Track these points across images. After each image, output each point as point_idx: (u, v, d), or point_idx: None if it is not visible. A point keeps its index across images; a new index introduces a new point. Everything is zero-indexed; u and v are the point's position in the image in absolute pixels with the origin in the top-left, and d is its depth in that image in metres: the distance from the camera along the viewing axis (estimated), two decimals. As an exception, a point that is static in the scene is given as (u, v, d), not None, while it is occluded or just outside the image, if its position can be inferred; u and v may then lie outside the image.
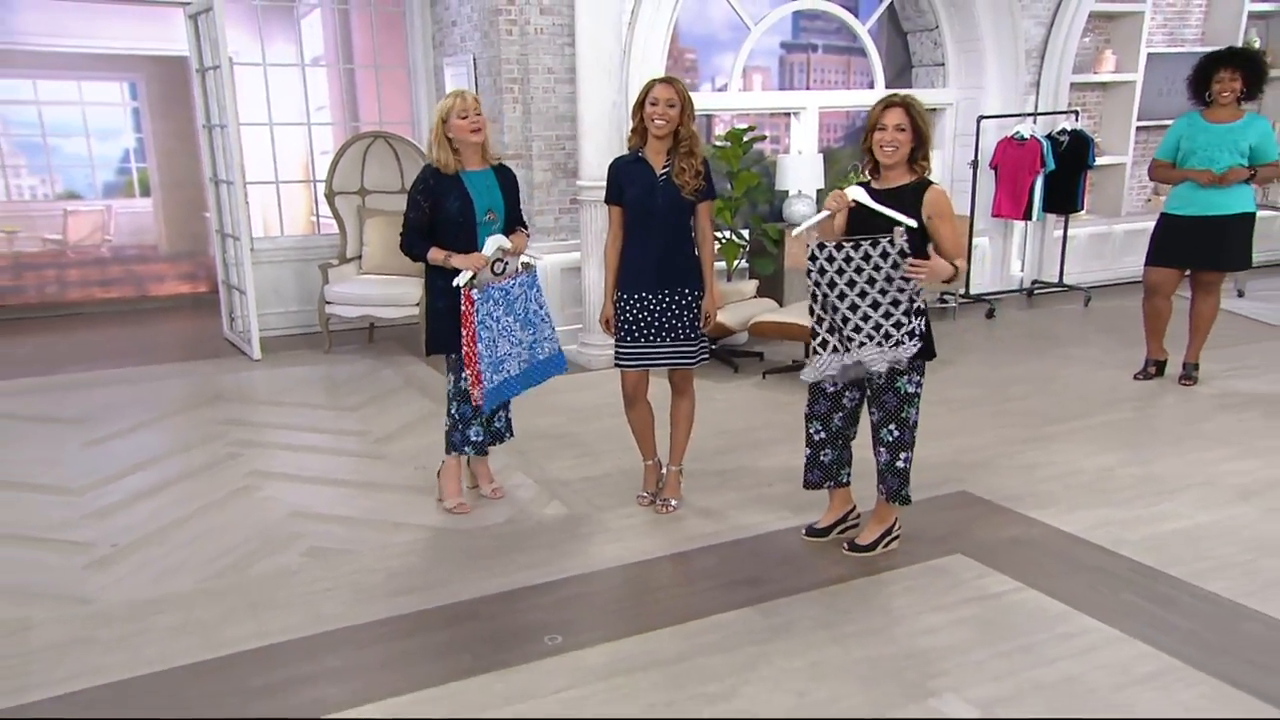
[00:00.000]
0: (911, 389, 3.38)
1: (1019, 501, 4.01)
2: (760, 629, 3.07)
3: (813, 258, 3.31)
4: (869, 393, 3.44)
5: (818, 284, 3.33)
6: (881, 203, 3.26)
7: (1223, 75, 5.11)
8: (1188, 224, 5.31)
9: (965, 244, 3.38)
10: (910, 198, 3.25)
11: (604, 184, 3.83)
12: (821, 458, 3.62)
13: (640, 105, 3.65)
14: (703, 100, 7.61)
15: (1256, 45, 8.60)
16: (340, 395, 5.74)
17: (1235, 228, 5.23)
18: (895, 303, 3.25)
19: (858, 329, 3.28)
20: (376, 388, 5.85)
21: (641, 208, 3.72)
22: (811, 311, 3.44)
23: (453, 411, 3.91)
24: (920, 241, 3.24)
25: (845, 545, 3.59)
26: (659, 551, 3.64)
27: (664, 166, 3.70)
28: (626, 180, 3.74)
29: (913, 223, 3.20)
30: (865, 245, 3.23)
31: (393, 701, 2.70)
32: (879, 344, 3.25)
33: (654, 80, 3.66)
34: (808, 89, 8.61)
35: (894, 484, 3.47)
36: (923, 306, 3.32)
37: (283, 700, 2.72)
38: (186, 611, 3.24)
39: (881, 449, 3.45)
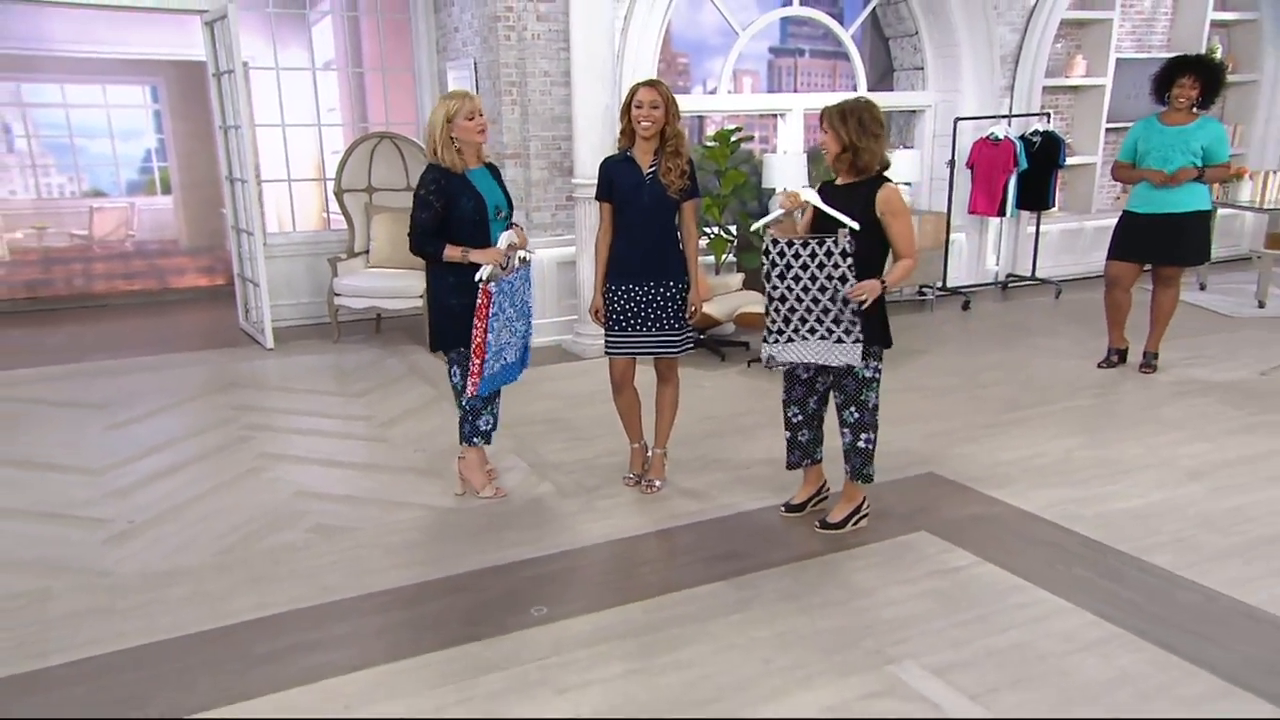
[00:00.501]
0: (869, 374, 3.43)
1: (982, 482, 4.05)
2: (733, 601, 3.11)
3: (766, 252, 3.39)
4: (832, 377, 3.49)
5: (768, 276, 3.42)
6: (838, 198, 3.32)
7: (1184, 81, 5.12)
8: (1147, 221, 5.33)
9: (915, 241, 3.36)
10: (864, 194, 3.30)
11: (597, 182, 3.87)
12: (800, 438, 3.69)
13: (627, 108, 3.68)
14: (694, 102, 7.66)
15: (1218, 52, 8.61)
16: (347, 382, 5.78)
17: (1192, 224, 5.26)
18: (845, 302, 3.29)
19: (803, 321, 3.37)
20: (382, 375, 5.89)
21: (629, 204, 3.75)
22: (770, 301, 3.47)
23: (463, 404, 3.90)
24: (875, 239, 3.28)
25: (817, 523, 3.64)
26: (642, 529, 3.69)
27: (651, 165, 3.73)
28: (615, 178, 3.77)
29: (855, 225, 3.24)
30: (813, 244, 3.31)
31: (387, 667, 2.75)
32: (822, 338, 3.35)
33: (639, 84, 3.68)
34: (795, 91, 8.64)
35: (857, 462, 3.52)
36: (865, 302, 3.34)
37: (284, 665, 2.78)
38: (197, 583, 3.29)
39: (845, 430, 3.51)
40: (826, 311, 3.34)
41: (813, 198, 3.35)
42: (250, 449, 4.61)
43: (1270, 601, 3.00)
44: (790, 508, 3.77)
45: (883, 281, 3.28)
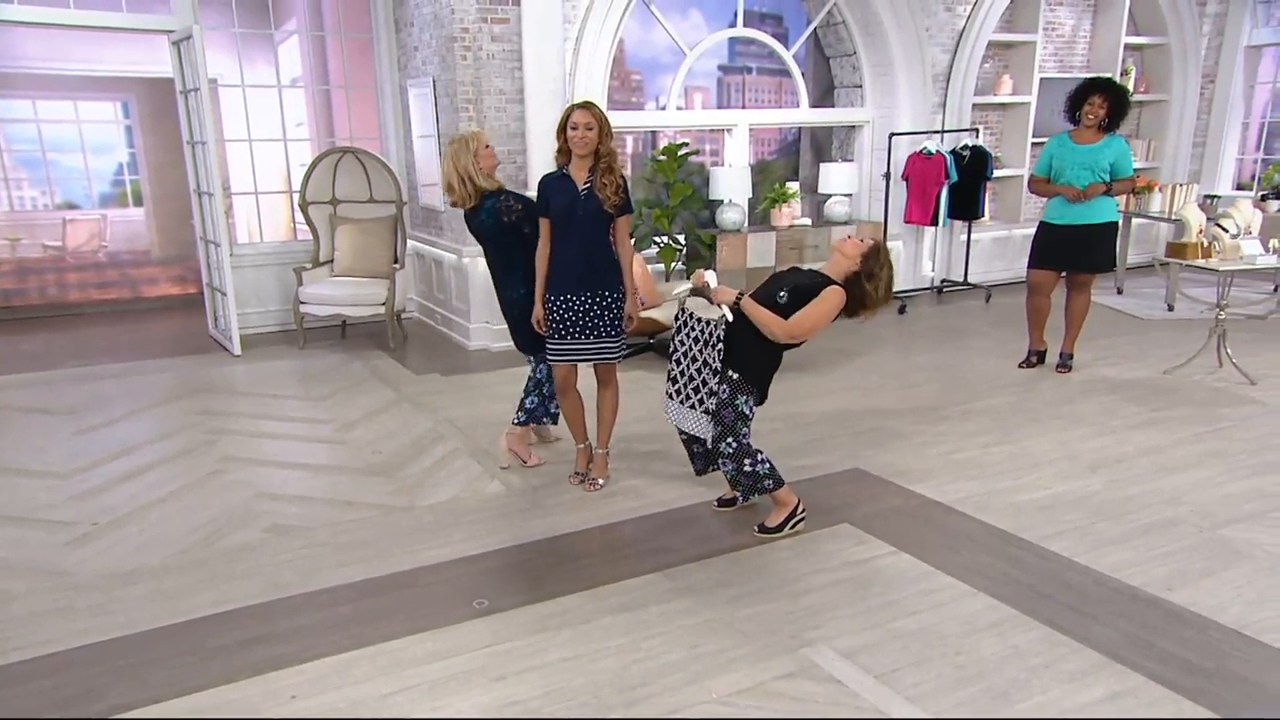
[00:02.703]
0: (747, 410, 3.54)
1: (904, 476, 4.15)
2: (665, 591, 3.19)
3: (676, 318, 3.66)
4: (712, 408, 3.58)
5: (673, 338, 3.66)
6: (807, 280, 3.56)
7: (1094, 99, 5.30)
8: (1061, 232, 5.50)
9: (808, 331, 3.50)
10: (821, 282, 3.51)
11: None
12: (695, 449, 3.83)
13: (563, 128, 3.75)
14: (646, 118, 7.74)
15: (1132, 73, 8.86)
16: (311, 386, 5.79)
17: (1100, 235, 5.43)
18: (711, 374, 3.52)
19: (684, 387, 3.62)
20: (345, 379, 5.90)
21: (565, 219, 3.80)
22: (670, 358, 3.71)
23: (545, 390, 4.36)
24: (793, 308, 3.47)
25: (756, 529, 3.60)
26: (584, 525, 3.75)
27: (585, 182, 3.79)
28: (552, 194, 3.83)
29: (729, 316, 3.48)
30: (702, 323, 3.56)
31: (334, 658, 2.79)
32: (692, 406, 3.61)
33: (574, 106, 3.76)
34: (743, 108, 8.74)
35: (746, 484, 3.55)
36: (724, 390, 3.52)
37: (235, 658, 2.81)
38: (156, 582, 3.31)
39: (725, 460, 3.54)
40: (702, 385, 3.55)
41: (711, 280, 3.57)
42: (213, 452, 4.61)
43: (1150, 583, 3.13)
44: (722, 502, 3.85)
45: (740, 294, 3.48)
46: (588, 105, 3.72)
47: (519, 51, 6.20)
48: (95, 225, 10.20)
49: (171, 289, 9.17)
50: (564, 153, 3.79)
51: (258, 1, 7.20)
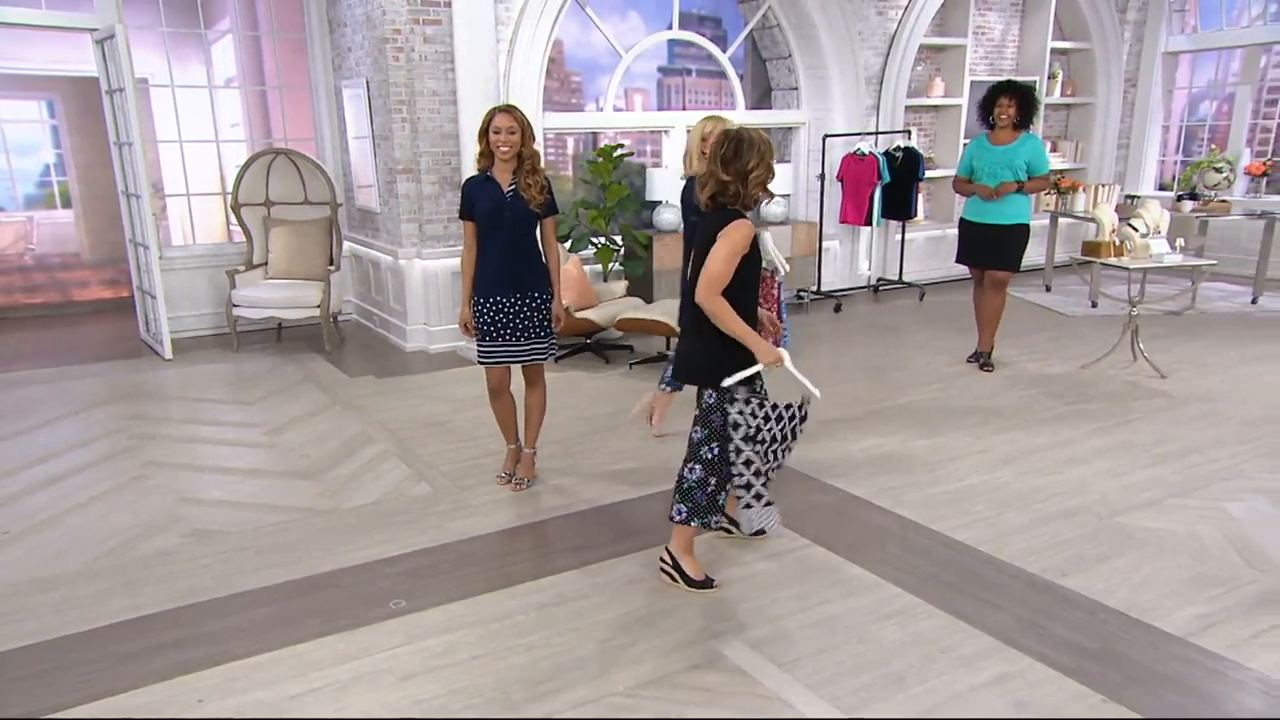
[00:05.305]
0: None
1: (825, 472, 4.25)
2: (583, 587, 3.23)
3: (766, 416, 3.04)
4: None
5: (755, 436, 3.05)
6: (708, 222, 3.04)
7: (1002, 102, 5.51)
8: (976, 229, 5.72)
9: (712, 274, 2.93)
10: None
11: None
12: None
13: (485, 132, 3.77)
14: (584, 119, 7.78)
15: (1059, 76, 9.14)
16: (242, 390, 5.73)
17: (1009, 236, 5.61)
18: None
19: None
20: (277, 383, 5.85)
21: (492, 222, 3.83)
22: (752, 465, 3.05)
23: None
24: None
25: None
26: (508, 524, 3.78)
27: (510, 184, 3.82)
28: (477, 197, 3.85)
29: (817, 393, 3.06)
30: (780, 407, 3.07)
31: (245, 661, 2.80)
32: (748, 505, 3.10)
33: (495, 109, 3.78)
34: (684, 109, 8.82)
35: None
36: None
37: (146, 663, 2.80)
38: (69, 589, 3.27)
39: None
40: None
41: (788, 362, 3.02)
42: (137, 457, 4.56)
43: (1048, 569, 3.26)
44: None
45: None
46: (509, 109, 3.75)
47: (451, 53, 6.20)
48: (21, 228, 9.95)
49: (103, 292, 8.98)
50: (486, 156, 3.81)
51: (187, 0, 7.09)
